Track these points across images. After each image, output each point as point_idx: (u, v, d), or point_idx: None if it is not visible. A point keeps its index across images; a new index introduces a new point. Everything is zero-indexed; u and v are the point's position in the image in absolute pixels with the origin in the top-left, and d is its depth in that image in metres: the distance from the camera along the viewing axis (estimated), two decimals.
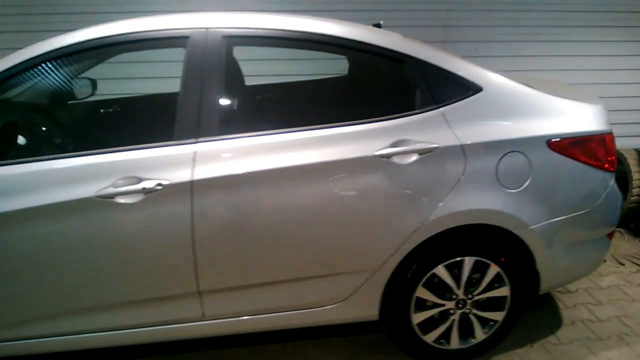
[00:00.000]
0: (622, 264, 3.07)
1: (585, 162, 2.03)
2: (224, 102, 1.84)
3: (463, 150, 1.91)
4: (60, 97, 2.07)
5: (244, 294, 1.94)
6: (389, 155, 1.86)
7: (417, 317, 2.09)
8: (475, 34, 3.91)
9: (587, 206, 2.08)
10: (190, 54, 1.83)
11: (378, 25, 2.47)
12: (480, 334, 2.16)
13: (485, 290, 2.10)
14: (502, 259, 2.05)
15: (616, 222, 2.26)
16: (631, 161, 3.45)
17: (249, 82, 2.55)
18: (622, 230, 3.55)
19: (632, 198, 3.41)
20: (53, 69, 1.80)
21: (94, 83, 2.47)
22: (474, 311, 2.13)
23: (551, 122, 2.00)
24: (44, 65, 1.76)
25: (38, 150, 1.95)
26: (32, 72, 1.77)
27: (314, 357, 2.24)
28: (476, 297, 2.11)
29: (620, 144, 3.96)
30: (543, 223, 2.01)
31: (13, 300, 1.80)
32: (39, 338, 1.87)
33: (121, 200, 1.72)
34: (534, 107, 2.02)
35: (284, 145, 1.84)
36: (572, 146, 2.01)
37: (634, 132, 4.07)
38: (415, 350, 2.16)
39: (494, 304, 2.15)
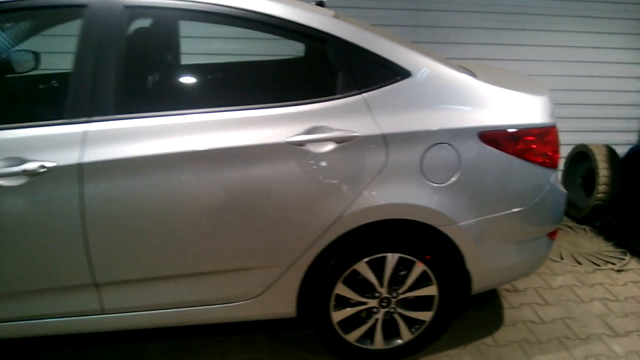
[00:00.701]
0: (580, 263, 2.95)
1: (521, 157, 1.89)
2: (123, 78, 1.69)
3: (385, 140, 1.77)
4: None
5: (148, 287, 1.83)
6: (301, 143, 1.72)
7: (338, 315, 1.98)
8: (449, 20, 3.71)
9: (524, 204, 1.94)
10: (86, 25, 1.68)
11: (321, 4, 2.31)
12: (406, 335, 2.05)
13: (411, 288, 1.98)
14: (428, 257, 1.93)
15: (558, 221, 2.13)
16: (599, 157, 3.30)
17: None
18: (586, 228, 3.42)
19: (597, 195, 3.27)
20: None
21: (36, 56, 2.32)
22: (399, 310, 2.01)
23: (486, 112, 1.86)
24: None
25: None
26: None
27: (233, 353, 2.14)
28: (401, 296, 1.99)
29: (589, 139, 3.82)
30: (472, 220, 1.88)
31: None
32: None
33: (1, 182, 1.59)
34: (468, 96, 1.87)
35: (188, 127, 1.70)
36: (507, 139, 1.86)
37: (604, 127, 3.89)
38: (338, 349, 2.05)
39: (422, 303, 2.03)
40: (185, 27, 2.18)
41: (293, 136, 1.72)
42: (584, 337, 2.29)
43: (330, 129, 1.74)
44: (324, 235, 1.81)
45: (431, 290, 1.99)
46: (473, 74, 2.08)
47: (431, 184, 1.81)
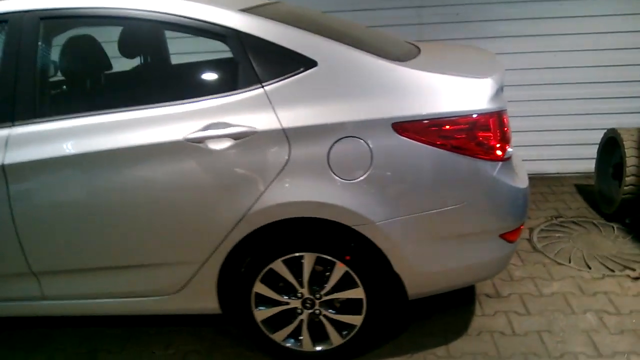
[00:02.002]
0: (589, 267, 2.56)
1: (448, 149, 1.68)
2: (39, 85, 1.79)
3: (286, 135, 1.68)
4: None
5: (80, 277, 1.93)
6: (199, 140, 1.70)
7: (261, 314, 1.94)
8: None
9: (456, 201, 1.74)
10: (7, 39, 1.81)
11: None
12: (336, 339, 1.95)
13: (334, 290, 1.88)
14: (348, 258, 1.81)
15: (514, 220, 1.87)
16: (628, 143, 2.82)
17: None
18: (614, 226, 2.96)
19: (625, 188, 2.81)
20: None
21: None
22: (325, 313, 1.91)
23: (402, 101, 1.68)
24: None
25: None
26: None
27: (176, 344, 2.19)
28: (325, 298, 1.89)
29: (622, 121, 3.28)
30: (392, 219, 1.72)
31: None
32: None
33: None
34: (383, 84, 1.70)
35: (96, 128, 1.76)
36: (427, 130, 1.67)
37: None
38: (266, 348, 2.01)
39: (351, 307, 1.91)
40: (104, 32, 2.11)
41: (190, 133, 1.70)
42: (557, 355, 1.99)
43: (229, 125, 1.70)
44: (231, 234, 1.77)
45: (357, 293, 1.86)
46: (413, 54, 1.91)
47: (341, 180, 1.69)
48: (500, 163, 1.75)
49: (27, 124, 1.78)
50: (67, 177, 1.78)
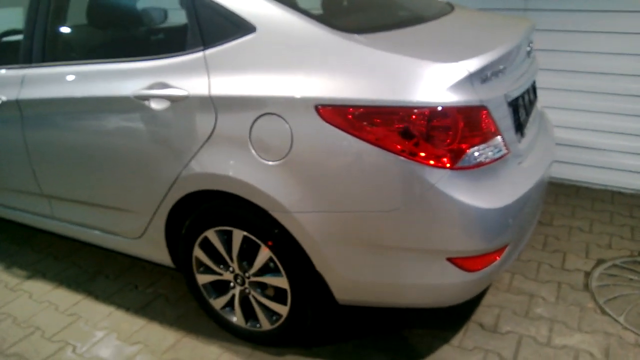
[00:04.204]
0: (639, 330, 1.92)
1: (377, 144, 1.41)
2: (47, 33, 2.03)
3: (213, 104, 1.60)
4: None
5: (71, 206, 2.19)
6: (145, 98, 1.73)
7: (201, 278, 1.95)
8: None
9: (384, 207, 1.46)
10: None
11: None
12: (265, 323, 1.86)
13: (260, 273, 1.78)
14: (270, 243, 1.68)
15: (472, 246, 1.49)
16: None
17: None
18: None
19: None
20: None
21: None
22: (253, 293, 1.84)
23: (334, 81, 1.45)
24: None
25: None
26: None
27: (157, 286, 2.36)
28: (253, 279, 1.81)
29: None
30: (310, 212, 1.54)
31: None
32: None
33: None
34: (321, 59, 1.48)
35: (65, 76, 1.95)
36: (356, 118, 1.41)
37: None
38: (207, 310, 2.04)
39: (279, 295, 1.79)
40: None
41: (137, 90, 1.74)
42: None
43: (168, 86, 1.68)
44: (168, 194, 1.80)
45: (281, 282, 1.73)
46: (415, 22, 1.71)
47: (260, 160, 1.56)
48: (447, 172, 1.40)
49: (35, 67, 2.05)
50: (45, 118, 2.03)
